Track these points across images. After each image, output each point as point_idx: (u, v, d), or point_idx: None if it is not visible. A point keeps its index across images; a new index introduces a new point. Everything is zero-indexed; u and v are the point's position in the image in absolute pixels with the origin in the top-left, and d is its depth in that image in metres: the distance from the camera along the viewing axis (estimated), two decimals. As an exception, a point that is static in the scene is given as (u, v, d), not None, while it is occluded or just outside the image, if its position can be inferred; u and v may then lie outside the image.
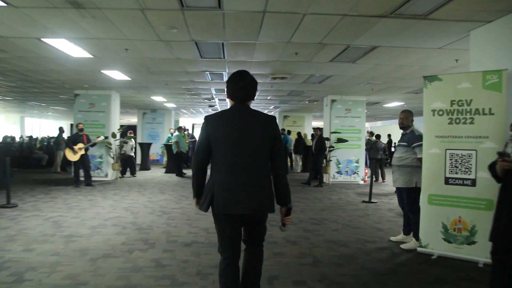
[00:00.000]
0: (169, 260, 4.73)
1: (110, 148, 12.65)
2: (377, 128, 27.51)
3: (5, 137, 20.51)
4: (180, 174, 14.29)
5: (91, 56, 7.69)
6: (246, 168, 2.70)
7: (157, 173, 15.44)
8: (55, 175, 14.20)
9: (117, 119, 13.78)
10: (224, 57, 7.74)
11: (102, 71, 9.40)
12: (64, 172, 14.88)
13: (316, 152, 11.97)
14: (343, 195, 10.46)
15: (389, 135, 22.49)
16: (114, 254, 4.90)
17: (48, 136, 25.06)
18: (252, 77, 2.85)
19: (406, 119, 5.64)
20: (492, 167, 3.45)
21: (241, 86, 2.78)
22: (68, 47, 7.00)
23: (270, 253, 5.07)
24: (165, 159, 17.54)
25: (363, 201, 9.43)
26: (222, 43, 6.70)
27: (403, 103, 15.76)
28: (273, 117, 2.86)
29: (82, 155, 10.89)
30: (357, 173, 13.44)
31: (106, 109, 13.00)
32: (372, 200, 9.37)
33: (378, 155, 13.35)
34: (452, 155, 5.00)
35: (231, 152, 2.70)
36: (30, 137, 19.65)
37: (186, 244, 5.43)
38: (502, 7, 4.68)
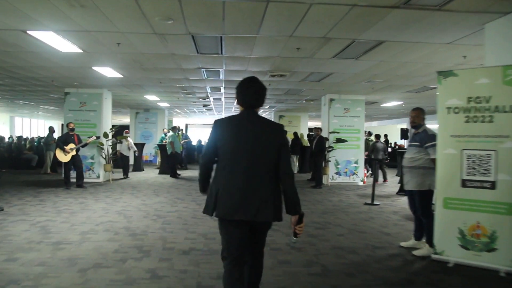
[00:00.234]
0: (165, 270, 4.34)
1: (102, 149, 12.21)
2: (373, 129, 27.25)
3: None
4: (174, 175, 13.88)
5: (81, 51, 7.27)
6: (251, 175, 2.69)
7: (150, 174, 15.01)
8: (45, 176, 13.72)
9: (109, 119, 13.34)
10: (221, 53, 7.36)
11: (93, 67, 8.97)
12: (55, 173, 14.40)
13: (316, 153, 11.62)
14: (343, 197, 10.13)
15: (385, 136, 22.25)
16: (105, 263, 4.51)
17: (39, 136, 24.47)
18: (262, 84, 2.86)
19: (417, 117, 5.31)
20: None
21: (251, 92, 2.81)
22: (56, 41, 6.57)
23: (275, 261, 4.72)
24: (158, 159, 17.12)
25: (366, 203, 9.11)
26: (221, 37, 6.32)
27: (402, 102, 15.47)
28: (281, 125, 2.90)
29: (73, 156, 10.47)
30: (356, 174, 13.12)
31: (98, 108, 12.56)
32: (375, 202, 9.05)
33: (379, 156, 13.04)
34: (469, 156, 4.66)
35: (236, 157, 2.71)
36: (19, 137, 19.05)
37: (184, 251, 5.05)
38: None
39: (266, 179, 2.73)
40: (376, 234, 6.24)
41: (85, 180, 11.14)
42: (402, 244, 5.55)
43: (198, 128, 33.43)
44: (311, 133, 21.22)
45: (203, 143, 22.75)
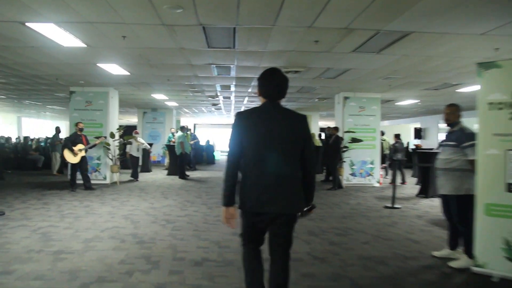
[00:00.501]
0: (177, 285, 3.88)
1: (109, 149, 11.80)
2: (385, 128, 26.68)
3: (-3, 138, 19.67)
4: (183, 176, 13.46)
5: (85, 45, 6.85)
6: (277, 167, 2.65)
7: (158, 175, 14.60)
8: (50, 178, 13.34)
9: (116, 118, 12.94)
10: (234, 47, 6.90)
11: (98, 64, 8.56)
12: (60, 175, 14.03)
13: (333, 153, 11.11)
14: (361, 199, 9.62)
15: (398, 135, 21.65)
16: (110, 277, 4.05)
17: (46, 136, 24.18)
18: (285, 75, 2.81)
19: (453, 114, 4.79)
20: None
21: (275, 84, 2.77)
22: (57, 34, 6.15)
23: (297, 274, 4.24)
24: (166, 160, 16.71)
25: (386, 207, 8.60)
26: (234, 28, 5.85)
27: (418, 100, 14.93)
28: (305, 116, 2.83)
29: (81, 157, 10.09)
30: (372, 175, 12.60)
31: (104, 107, 12.17)
32: (396, 205, 8.54)
33: (398, 156, 12.52)
34: (515, 157, 4.15)
35: (262, 150, 2.66)
36: (25, 137, 18.73)
37: (196, 262, 4.59)
38: None
39: (294, 170, 2.71)
40: (404, 241, 5.74)
41: (92, 181, 10.72)
42: (435, 253, 5.05)
43: (207, 128, 33.01)
44: (321, 132, 20.73)
45: (211, 143, 22.32)
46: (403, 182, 12.79)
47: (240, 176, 2.75)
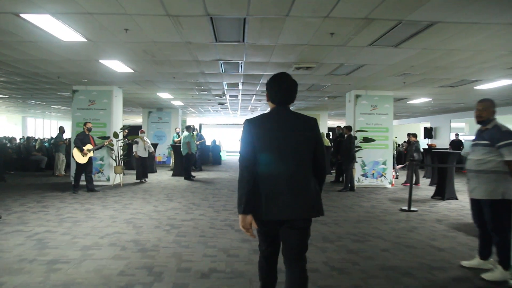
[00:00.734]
0: (181, 302, 3.48)
1: (112, 150, 11.43)
2: (394, 127, 26.19)
3: (0, 139, 19.38)
4: (189, 177, 13.06)
5: (85, 40, 6.47)
6: (296, 172, 2.62)
7: (163, 176, 14.22)
8: (52, 179, 13.01)
9: (120, 118, 12.58)
10: (243, 40, 6.48)
11: (100, 61, 8.17)
12: (63, 175, 13.71)
13: (347, 153, 10.66)
14: (374, 202, 9.17)
15: (408, 135, 21.14)
16: (107, 291, 3.66)
17: (51, 137, 23.90)
18: (294, 80, 2.80)
19: (486, 110, 4.32)
20: None
21: (284, 88, 2.76)
22: (55, 27, 5.77)
23: (314, 287, 3.82)
24: (172, 160, 16.33)
25: (402, 210, 8.15)
26: (244, 19, 5.43)
27: (431, 99, 14.44)
28: (315, 119, 2.81)
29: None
30: (385, 176, 12.13)
31: (108, 107, 11.82)
32: (412, 208, 8.09)
33: (415, 156, 12.06)
34: (561, 157, 3.70)
35: (275, 156, 2.62)
36: (28, 137, 18.40)
37: (203, 274, 4.17)
38: None
39: (308, 175, 2.69)
40: (427, 249, 5.29)
41: (94, 183, 10.36)
42: (464, 263, 4.60)
43: (213, 128, 32.65)
44: (329, 132, 20.29)
45: (217, 143, 21.92)
46: (417, 183, 12.32)
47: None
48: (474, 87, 11.00)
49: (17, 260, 4.45)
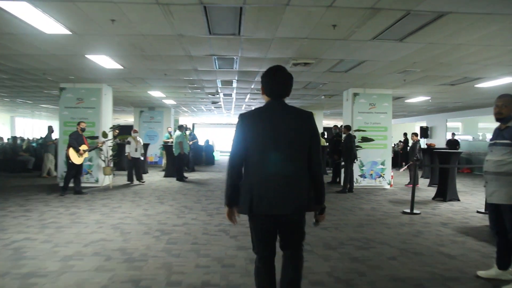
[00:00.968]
0: (170, 323, 3.06)
1: (101, 150, 10.96)
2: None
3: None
4: (181, 178, 12.63)
5: (69, 32, 6.02)
6: (284, 167, 2.58)
7: (155, 177, 13.76)
8: (39, 180, 12.52)
9: (110, 117, 12.10)
10: (239, 33, 6.07)
11: (87, 56, 7.72)
12: (51, 177, 13.22)
13: (347, 153, 10.28)
14: (374, 204, 8.81)
15: (405, 134, 20.88)
16: (87, 310, 3.24)
17: (41, 137, 23.28)
18: (289, 73, 2.76)
19: (506, 106, 3.94)
20: None
21: (279, 81, 2.71)
22: (36, 18, 5.33)
23: (321, 305, 3.42)
24: (164, 161, 15.86)
25: (404, 212, 7.79)
26: (241, 9, 5.01)
27: (429, 98, 14.10)
28: (311, 113, 2.76)
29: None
30: (383, 177, 11.77)
31: (97, 105, 11.35)
32: (415, 211, 7.73)
33: (414, 156, 11.73)
34: None
35: (268, 150, 2.58)
36: (14, 137, 17.76)
37: (195, 288, 3.77)
38: None
39: (301, 170, 2.64)
40: (437, 256, 4.92)
41: (82, 184, 9.90)
42: (481, 273, 4.22)
43: (206, 128, 32.20)
44: (324, 131, 19.92)
45: (210, 143, 21.47)
46: (416, 183, 11.98)
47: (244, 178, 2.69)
48: (475, 85, 10.69)
49: (-12, 273, 4.02)
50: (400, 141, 21.36)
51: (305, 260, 4.59)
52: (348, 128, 10.48)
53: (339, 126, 13.55)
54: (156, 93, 13.79)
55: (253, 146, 2.61)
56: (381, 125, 11.82)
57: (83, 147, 9.41)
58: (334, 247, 5.26)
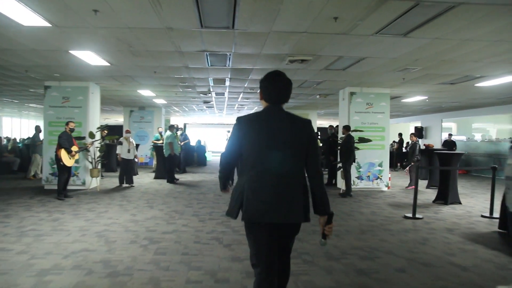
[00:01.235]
0: None
1: (88, 151, 10.47)
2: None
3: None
4: (172, 180, 12.17)
5: (49, 24, 5.55)
6: (282, 174, 2.51)
7: (145, 179, 13.27)
8: (24, 182, 11.99)
9: (97, 116, 11.61)
10: (233, 26, 5.64)
11: (70, 51, 7.25)
12: (36, 179, 12.70)
13: (347, 154, 9.87)
14: (374, 208, 8.44)
15: (400, 134, 20.59)
16: None
17: (29, 137, 22.63)
18: (288, 79, 2.70)
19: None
20: None
21: (278, 86, 2.65)
22: (10, 8, 4.86)
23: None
24: (154, 162, 15.38)
25: (406, 217, 7.43)
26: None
27: (426, 97, 13.79)
28: (309, 121, 2.70)
29: None
30: (381, 178, 11.41)
31: (83, 104, 10.85)
32: (417, 215, 7.37)
33: (414, 157, 11.40)
34: None
35: (263, 156, 2.52)
36: (-3, 138, 17.15)
37: (185, 309, 3.34)
38: None
39: (297, 178, 2.56)
40: (448, 268, 4.54)
41: (68, 187, 9.40)
42: (500, 288, 3.87)
43: (198, 128, 31.73)
44: (318, 132, 19.55)
45: (202, 143, 21.00)
46: (412, 185, 11.66)
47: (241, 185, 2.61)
48: (475, 84, 10.37)
49: (-48, 293, 3.56)
50: (394, 141, 21.08)
51: (306, 273, 4.24)
52: (347, 128, 10.08)
53: (334, 126, 13.17)
54: (146, 92, 13.30)
55: (250, 150, 2.55)
56: (379, 125, 11.47)
57: (74, 148, 8.95)
58: (337, 257, 4.87)
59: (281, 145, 2.53)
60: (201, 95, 13.88)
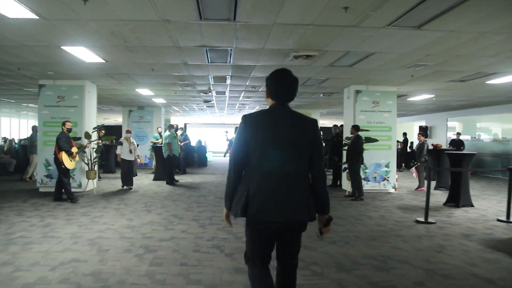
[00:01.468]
0: None
1: (84, 152, 10.09)
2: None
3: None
4: (172, 182, 11.78)
5: (36, 17, 5.16)
6: (287, 173, 2.49)
7: (144, 180, 12.89)
8: (19, 184, 11.62)
9: (94, 116, 11.22)
10: (234, 18, 5.24)
11: (63, 47, 6.86)
12: (32, 181, 12.32)
13: (357, 156, 9.44)
14: (382, 211, 8.04)
15: (404, 134, 20.19)
16: None
17: (26, 137, 22.26)
18: (295, 76, 2.65)
19: None
20: None
21: (285, 85, 2.62)
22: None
23: None
24: (154, 163, 14.99)
25: (417, 221, 7.03)
26: (237, -15, 4.21)
27: (433, 96, 13.37)
28: (315, 120, 2.69)
29: None
30: (388, 180, 11.01)
31: (79, 103, 10.46)
32: (429, 220, 6.98)
33: (421, 158, 11.00)
34: None
35: (272, 154, 2.49)
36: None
37: (182, 333, 2.95)
38: None
39: (301, 177, 2.54)
40: (472, 281, 4.14)
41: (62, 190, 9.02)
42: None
43: (198, 128, 31.34)
44: (320, 131, 19.13)
45: (203, 143, 20.61)
46: (421, 186, 11.24)
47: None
48: (486, 82, 9.96)
49: None
50: (398, 141, 20.67)
51: (317, 287, 3.83)
52: (356, 128, 9.61)
53: (339, 125, 12.77)
54: (144, 91, 12.90)
55: (254, 149, 2.52)
56: (385, 124, 11.07)
57: (74, 150, 8.57)
58: (348, 268, 4.46)
59: (287, 144, 2.51)
60: (201, 94, 13.48)
